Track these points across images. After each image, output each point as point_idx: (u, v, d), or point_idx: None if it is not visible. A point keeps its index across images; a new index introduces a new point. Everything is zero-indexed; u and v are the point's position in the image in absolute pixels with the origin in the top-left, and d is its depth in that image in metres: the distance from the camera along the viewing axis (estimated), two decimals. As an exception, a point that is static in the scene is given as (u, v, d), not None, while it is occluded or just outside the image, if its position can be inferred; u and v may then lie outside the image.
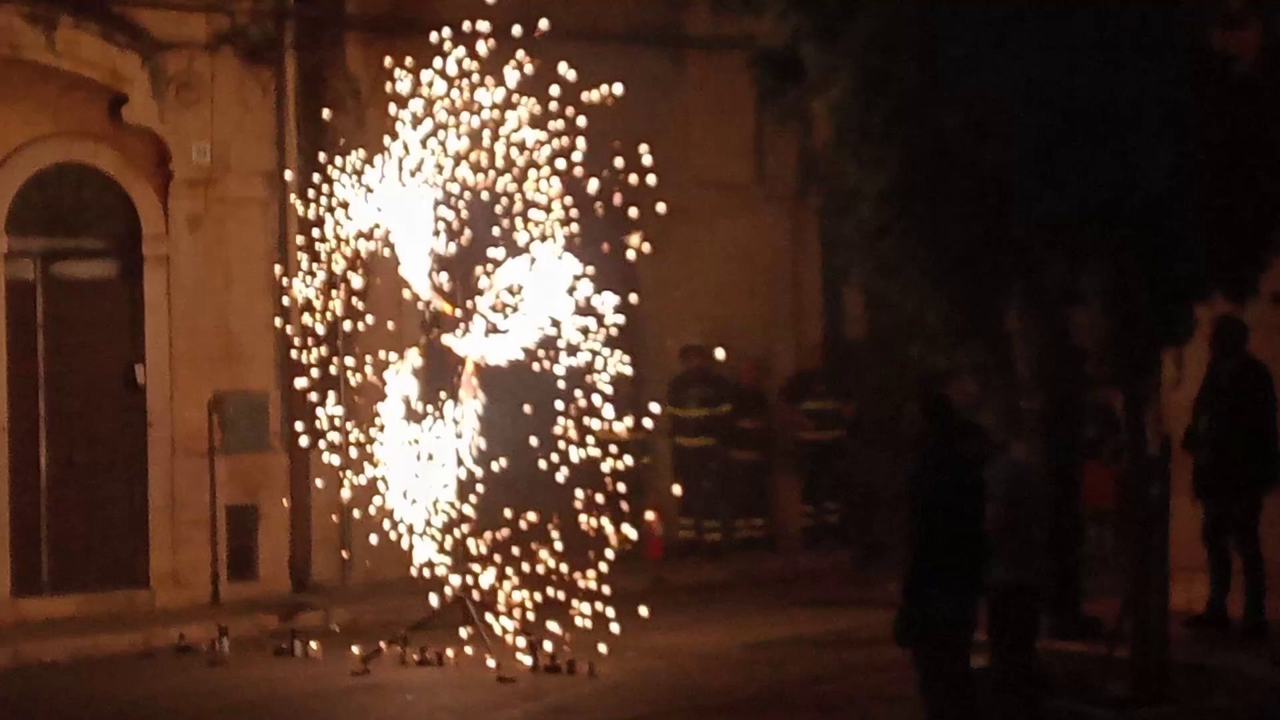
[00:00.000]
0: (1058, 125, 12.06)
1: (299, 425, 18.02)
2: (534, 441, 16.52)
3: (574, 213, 16.42)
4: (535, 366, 16.39)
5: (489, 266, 16.48)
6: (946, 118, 12.23)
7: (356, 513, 17.26)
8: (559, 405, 16.45)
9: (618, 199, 16.55)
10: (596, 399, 16.40)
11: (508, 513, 16.59)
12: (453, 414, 16.48)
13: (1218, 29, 12.82)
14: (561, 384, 16.41)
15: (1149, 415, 13.74)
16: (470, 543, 16.60)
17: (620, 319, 16.50)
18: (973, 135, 12.19)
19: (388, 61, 16.72)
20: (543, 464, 16.44)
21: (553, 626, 16.24)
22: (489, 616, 16.53)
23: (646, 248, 16.91)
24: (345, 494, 17.11)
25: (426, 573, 16.71)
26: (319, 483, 18.15)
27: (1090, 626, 14.66)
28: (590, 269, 16.32)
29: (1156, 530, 13.81)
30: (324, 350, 17.32)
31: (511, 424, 16.61)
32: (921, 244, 12.80)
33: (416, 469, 16.54)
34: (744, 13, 13.71)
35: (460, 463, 16.46)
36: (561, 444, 16.49)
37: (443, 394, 16.53)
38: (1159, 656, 13.43)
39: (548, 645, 16.09)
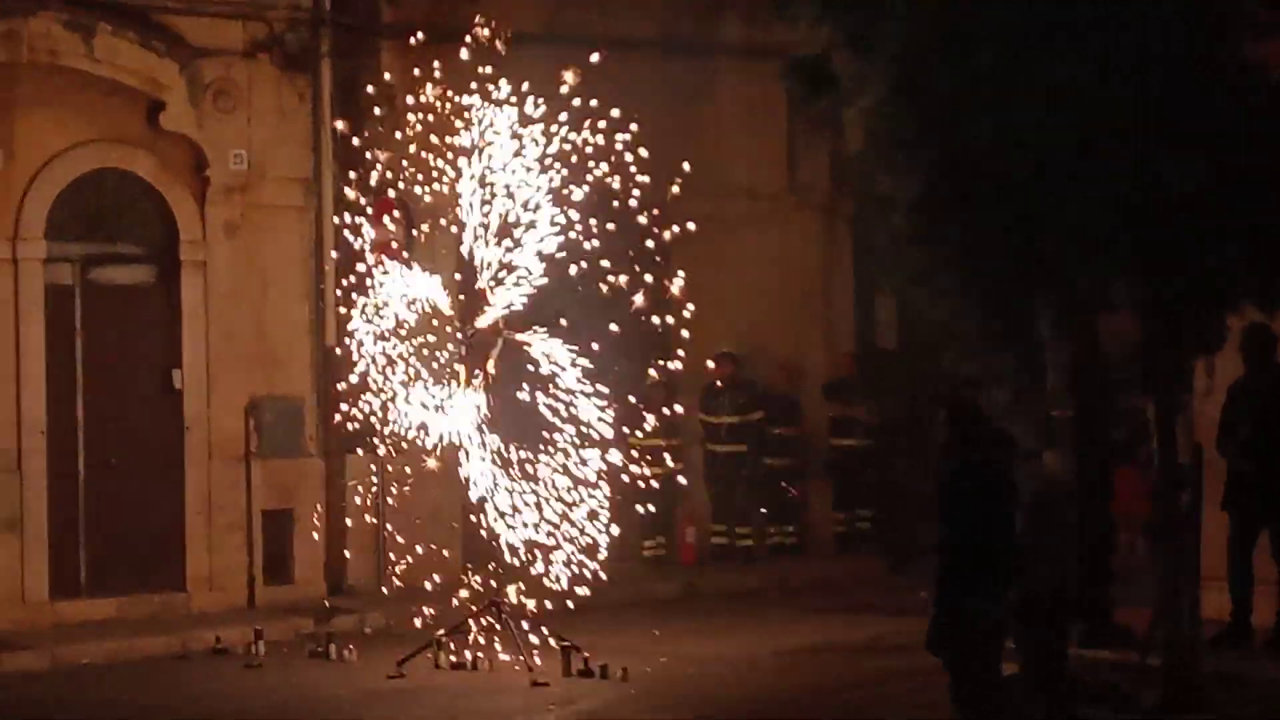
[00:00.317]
0: (1089, 134, 12.06)
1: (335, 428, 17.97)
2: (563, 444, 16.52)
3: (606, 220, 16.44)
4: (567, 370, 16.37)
5: (518, 270, 16.48)
6: (978, 126, 12.22)
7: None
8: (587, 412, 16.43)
9: (646, 205, 16.56)
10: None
11: (539, 518, 16.57)
12: (478, 407, 16.47)
13: (1249, 39, 12.79)
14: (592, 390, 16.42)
15: (1180, 424, 13.74)
16: (504, 547, 16.59)
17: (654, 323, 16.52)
18: (1004, 143, 12.18)
19: (421, 70, 16.75)
20: (575, 469, 16.43)
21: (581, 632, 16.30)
22: (522, 622, 16.54)
23: (680, 282, 16.83)
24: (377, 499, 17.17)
25: (461, 577, 16.75)
26: (353, 487, 18.18)
27: (1122, 635, 14.64)
28: (622, 278, 16.33)
29: (1188, 539, 13.81)
30: (359, 356, 17.32)
31: (537, 425, 16.60)
32: (953, 252, 12.79)
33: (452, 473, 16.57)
34: (783, 18, 13.69)
35: (490, 463, 16.46)
36: (595, 450, 16.48)
37: (476, 376, 16.50)
38: (1191, 665, 13.42)
39: (582, 652, 16.14)
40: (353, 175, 17.40)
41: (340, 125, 18.71)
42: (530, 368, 16.41)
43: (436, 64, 16.58)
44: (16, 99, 18.42)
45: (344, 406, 16.98)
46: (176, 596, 18.99)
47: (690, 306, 17.07)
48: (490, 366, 16.48)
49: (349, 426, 17.19)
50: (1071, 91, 11.98)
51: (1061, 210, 12.22)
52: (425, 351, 16.82)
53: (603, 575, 16.38)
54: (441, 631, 16.67)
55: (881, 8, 12.57)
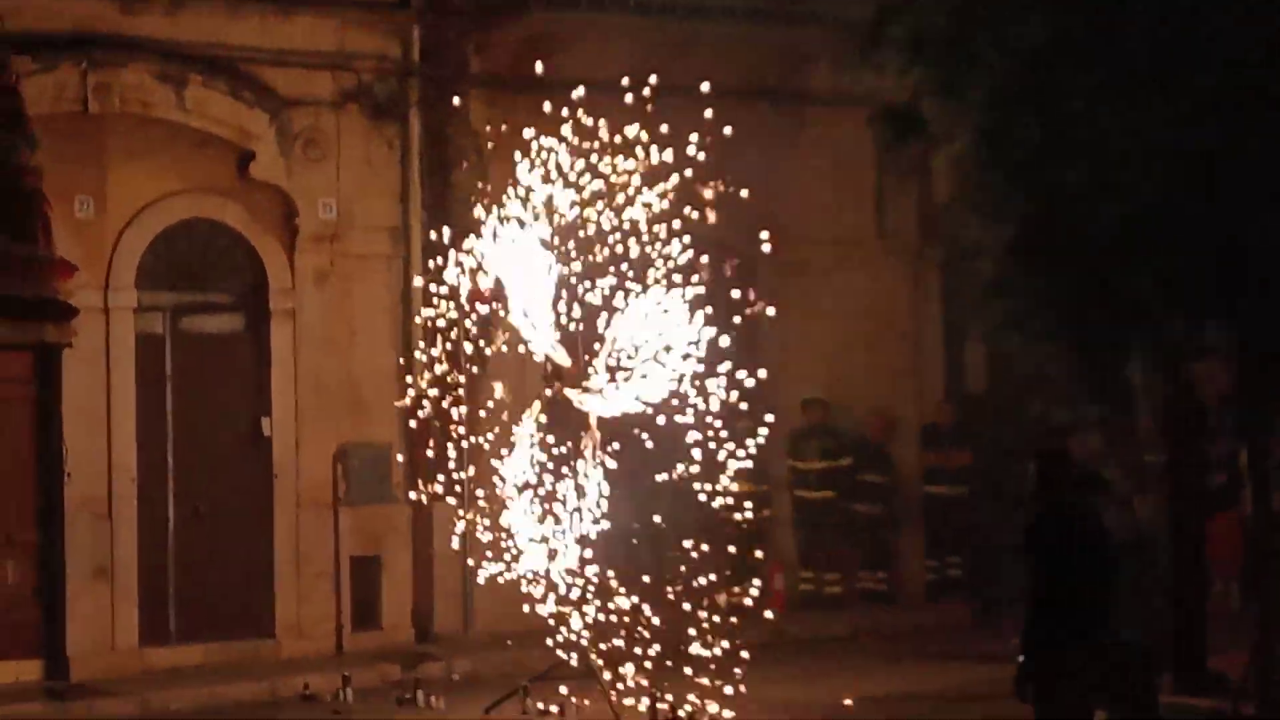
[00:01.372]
0: (1178, 182, 12.06)
1: (429, 477, 17.98)
2: (658, 497, 16.55)
3: (695, 268, 16.45)
4: (660, 420, 16.38)
5: (610, 320, 16.52)
6: (1067, 173, 12.26)
7: (480, 566, 17.32)
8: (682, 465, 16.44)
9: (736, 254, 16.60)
10: (721, 454, 16.41)
11: (629, 568, 16.59)
12: (578, 470, 16.51)
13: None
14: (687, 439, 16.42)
15: (1273, 468, 13.68)
16: (592, 597, 16.60)
17: (743, 375, 16.51)
18: (1093, 191, 12.20)
19: (509, 120, 16.84)
20: (661, 520, 16.44)
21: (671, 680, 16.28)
22: (609, 669, 16.55)
23: (771, 311, 16.86)
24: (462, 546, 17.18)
25: (549, 624, 16.76)
26: (442, 534, 18.20)
27: (1216, 682, 14.55)
28: (713, 328, 16.35)
29: (1280, 586, 13.75)
30: (448, 404, 17.38)
31: (635, 481, 16.61)
32: (1043, 298, 12.80)
33: (539, 524, 16.58)
34: (870, 66, 13.74)
35: (583, 519, 16.48)
36: (686, 499, 16.48)
37: (565, 449, 16.55)
38: (1284, 713, 13.36)
39: (668, 698, 16.13)
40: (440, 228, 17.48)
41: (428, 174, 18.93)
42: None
43: (513, 117, 16.66)
44: (108, 150, 18.60)
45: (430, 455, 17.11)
46: (265, 643, 19.10)
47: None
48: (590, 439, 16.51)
49: (438, 476, 17.28)
50: (1160, 140, 11.98)
51: (1151, 256, 12.22)
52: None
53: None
54: (529, 679, 16.72)
55: (970, 56, 12.60)
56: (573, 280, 16.47)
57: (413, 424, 17.36)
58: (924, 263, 22.47)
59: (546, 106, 16.40)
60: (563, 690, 16.46)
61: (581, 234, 16.39)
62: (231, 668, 18.53)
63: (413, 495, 17.58)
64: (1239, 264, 12.33)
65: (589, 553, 16.39)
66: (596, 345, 16.47)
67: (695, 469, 16.29)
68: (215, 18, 18.86)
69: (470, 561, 17.50)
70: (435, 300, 16.95)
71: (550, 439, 16.51)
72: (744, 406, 16.30)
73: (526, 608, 16.56)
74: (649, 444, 16.28)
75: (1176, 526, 14.49)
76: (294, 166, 19.21)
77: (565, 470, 16.44)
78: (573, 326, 16.45)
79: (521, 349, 16.72)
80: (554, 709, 16.38)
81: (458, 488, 17.21)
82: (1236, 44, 12.21)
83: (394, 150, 19.84)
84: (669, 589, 16.58)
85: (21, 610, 18.32)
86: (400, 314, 19.74)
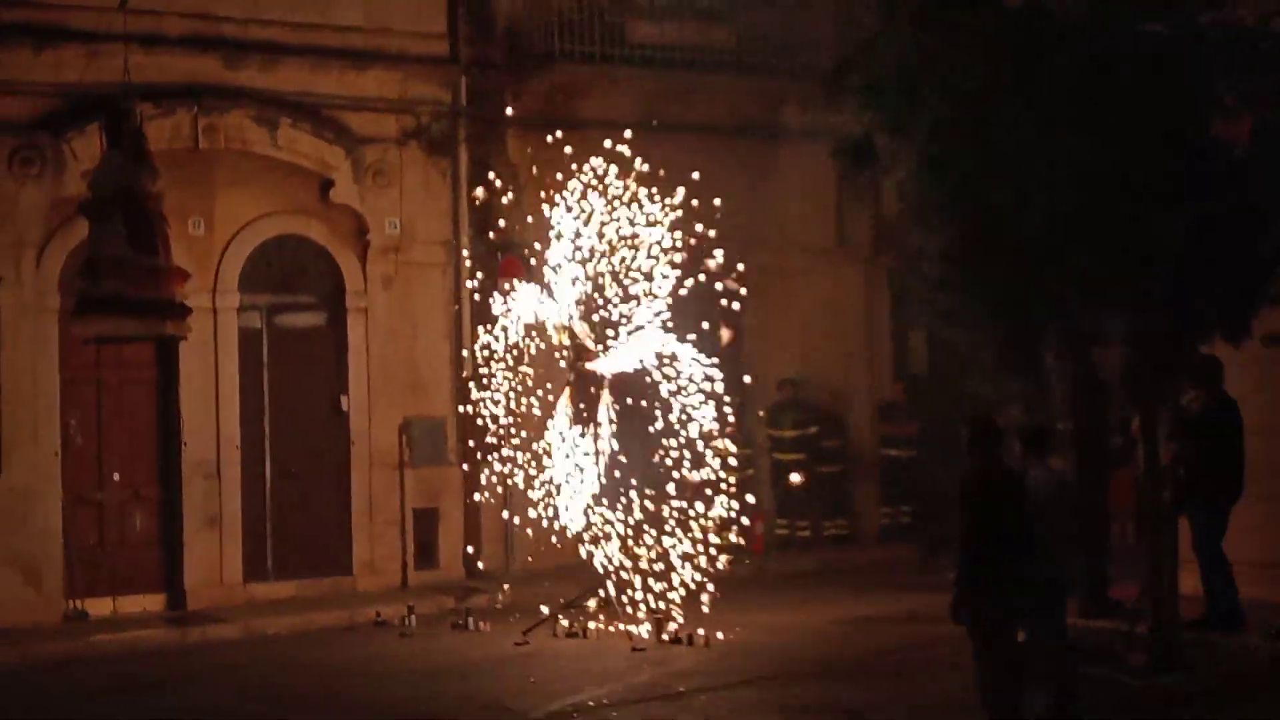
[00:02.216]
0: (1089, 198, 11.98)
1: (471, 444, 17.98)
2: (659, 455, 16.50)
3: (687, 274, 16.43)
4: (663, 389, 16.33)
5: (622, 313, 16.48)
6: (996, 193, 12.16)
7: (516, 516, 17.31)
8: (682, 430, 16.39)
9: (723, 259, 16.54)
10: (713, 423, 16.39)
11: (639, 512, 16.53)
12: (594, 425, 16.47)
13: (1218, 119, 12.70)
14: (685, 411, 16.38)
15: (1161, 434, 13.59)
16: (611, 536, 16.57)
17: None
18: (1018, 206, 12.11)
19: (539, 152, 16.81)
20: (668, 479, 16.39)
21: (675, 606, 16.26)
22: (624, 598, 16.51)
23: (743, 291, 16.77)
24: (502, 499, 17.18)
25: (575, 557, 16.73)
26: (487, 491, 18.20)
27: (1115, 608, 14.48)
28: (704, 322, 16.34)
29: (1168, 529, 13.66)
30: (492, 383, 17.36)
31: (641, 443, 16.57)
32: (974, 295, 12.72)
33: (568, 477, 16.56)
34: (832, 105, 13.67)
35: (600, 467, 16.45)
36: (685, 461, 16.44)
37: (582, 408, 16.49)
38: (1172, 632, 13.27)
39: (672, 622, 16.10)
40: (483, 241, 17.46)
41: (477, 194, 18.87)
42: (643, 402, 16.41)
43: (541, 152, 16.64)
44: (215, 180, 18.56)
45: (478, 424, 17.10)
46: (344, 579, 19.05)
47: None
48: (601, 413, 16.44)
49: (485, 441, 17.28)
50: (1073, 163, 11.90)
51: (1066, 260, 12.14)
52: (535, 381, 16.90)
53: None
54: (558, 606, 16.67)
55: (914, 97, 12.51)
56: (592, 281, 16.47)
57: (472, 404, 17.34)
58: (876, 267, 22.36)
59: (571, 140, 16.42)
60: (585, 614, 16.47)
61: (596, 248, 16.40)
62: (317, 599, 18.51)
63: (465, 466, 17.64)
64: (1135, 265, 12.25)
65: (605, 499, 16.43)
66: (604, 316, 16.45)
67: (694, 432, 16.30)
68: (302, 71, 18.78)
69: (505, 514, 17.51)
70: (477, 295, 16.90)
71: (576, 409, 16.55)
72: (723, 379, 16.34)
73: (556, 544, 16.60)
74: (649, 407, 16.27)
75: (1082, 480, 14.41)
76: (366, 192, 19.14)
77: (584, 429, 16.43)
78: (585, 307, 16.42)
79: (547, 325, 16.68)
80: (579, 631, 16.36)
81: (502, 453, 17.18)
82: (1135, 87, 12.14)
83: (446, 178, 19.79)
84: (672, 532, 16.54)
85: (147, 553, 18.28)
86: (453, 312, 19.69)
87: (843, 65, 13.38)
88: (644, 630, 16.07)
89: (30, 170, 17.33)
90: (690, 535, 16.36)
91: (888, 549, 21.57)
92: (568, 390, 16.64)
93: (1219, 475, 13.86)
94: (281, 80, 18.64)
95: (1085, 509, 13.91)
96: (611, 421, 16.33)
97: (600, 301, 16.44)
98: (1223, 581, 13.85)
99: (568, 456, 16.44)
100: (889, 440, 22.09)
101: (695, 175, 16.35)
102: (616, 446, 16.32)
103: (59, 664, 15.95)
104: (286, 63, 18.68)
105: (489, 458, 17.32)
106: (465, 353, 18.72)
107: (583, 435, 16.41)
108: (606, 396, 16.44)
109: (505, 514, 17.70)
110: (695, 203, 16.33)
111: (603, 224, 16.35)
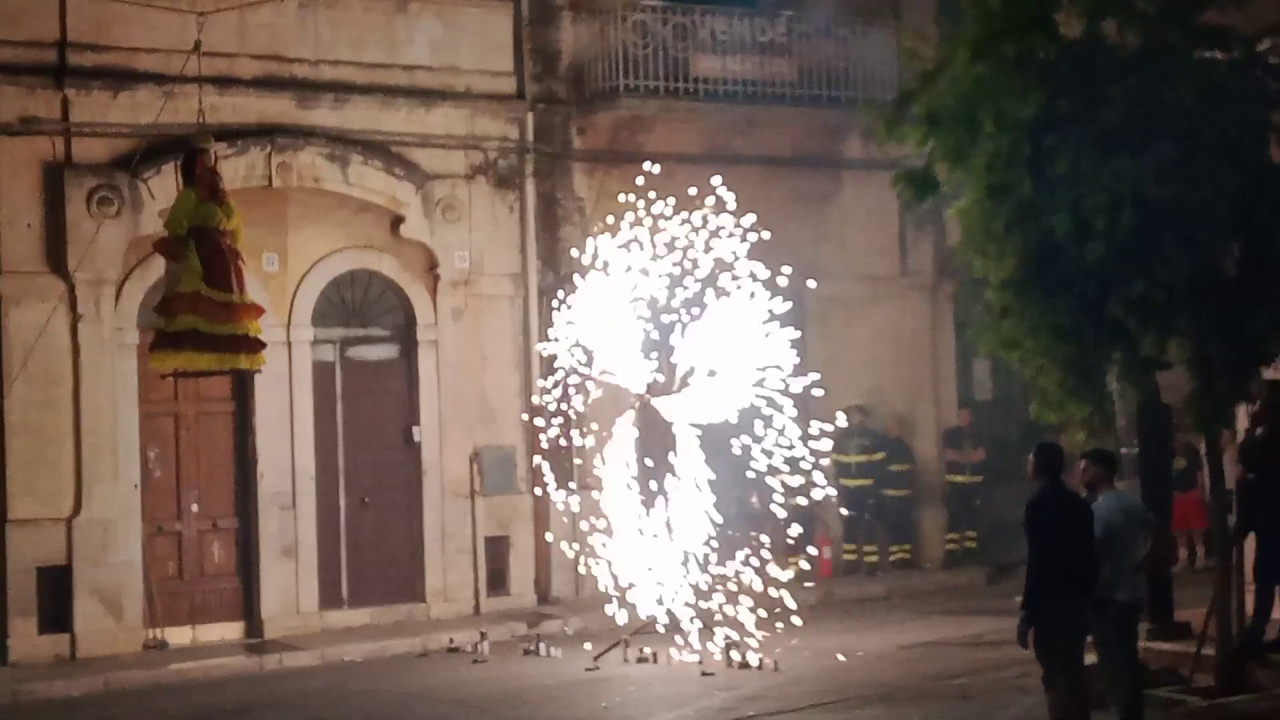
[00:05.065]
0: (1148, 225, 11.96)
1: (544, 472, 17.95)
2: (734, 487, 16.54)
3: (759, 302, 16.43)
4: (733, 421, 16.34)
5: (689, 347, 16.51)
6: (1055, 220, 12.17)
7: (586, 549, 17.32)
8: (755, 460, 16.40)
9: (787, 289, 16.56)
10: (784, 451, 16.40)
11: (709, 542, 16.55)
12: (668, 467, 16.51)
13: (1275, 145, 12.66)
14: (757, 443, 16.39)
15: (1226, 458, 13.50)
16: (682, 565, 16.58)
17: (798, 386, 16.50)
18: (1077, 234, 12.10)
19: (605, 187, 16.89)
20: (741, 504, 16.40)
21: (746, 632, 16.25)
22: (694, 624, 16.51)
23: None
24: (572, 527, 17.21)
25: (644, 588, 16.73)
26: (557, 519, 18.24)
27: (1181, 631, 14.38)
28: (774, 349, 16.34)
29: (1234, 551, 13.57)
30: (560, 415, 17.41)
31: (715, 473, 16.58)
32: (1036, 322, 12.70)
33: (635, 509, 16.59)
34: (889, 141, 13.71)
35: (670, 508, 16.48)
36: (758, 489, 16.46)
37: (653, 455, 16.51)
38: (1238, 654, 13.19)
39: (741, 647, 16.09)
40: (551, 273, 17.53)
41: (541, 230, 18.98)
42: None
43: (607, 184, 16.71)
44: (288, 216, 18.75)
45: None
46: (418, 606, 19.13)
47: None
48: (671, 456, 16.47)
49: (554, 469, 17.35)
50: (1133, 190, 11.88)
51: (1125, 287, 12.12)
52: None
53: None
54: (629, 632, 16.70)
55: (973, 127, 12.53)
56: (658, 305, 16.48)
57: (540, 434, 17.37)
58: (939, 295, 22.36)
59: (637, 173, 16.47)
60: (653, 642, 16.48)
61: (664, 277, 16.45)
62: (391, 626, 18.63)
63: (537, 490, 17.62)
64: (1197, 291, 12.21)
65: (674, 535, 16.44)
66: (674, 360, 16.50)
67: (767, 465, 16.31)
68: (371, 110, 18.98)
69: (575, 546, 17.49)
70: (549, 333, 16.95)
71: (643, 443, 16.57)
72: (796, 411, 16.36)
73: (625, 578, 16.62)
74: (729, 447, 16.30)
75: (1147, 504, 14.32)
76: (435, 227, 19.27)
77: (655, 468, 16.45)
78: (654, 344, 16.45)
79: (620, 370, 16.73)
80: (649, 656, 16.38)
81: (570, 483, 17.23)
82: (1190, 116, 12.12)
83: (514, 212, 19.90)
84: (744, 561, 16.55)
85: (225, 582, 18.46)
86: (521, 343, 19.79)
87: (903, 96, 13.40)
88: (714, 655, 16.07)
89: (109, 210, 17.57)
90: (760, 560, 16.38)
91: (953, 574, 21.51)
92: (633, 430, 16.60)
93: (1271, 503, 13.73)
94: (352, 119, 18.84)
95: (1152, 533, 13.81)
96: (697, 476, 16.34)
97: (668, 337, 16.46)
98: (1261, 613, 13.71)
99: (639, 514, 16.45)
100: (954, 466, 22.04)
101: (758, 208, 16.37)
102: (705, 499, 16.31)
103: (141, 692, 16.15)
104: (356, 101, 18.89)
105: (561, 487, 17.37)
106: (539, 381, 18.71)
107: (654, 489, 16.38)
108: (689, 448, 16.38)
109: (574, 547, 17.58)
110: (767, 235, 16.34)
111: (669, 253, 16.39)
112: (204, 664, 17.11)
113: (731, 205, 16.30)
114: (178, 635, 17.91)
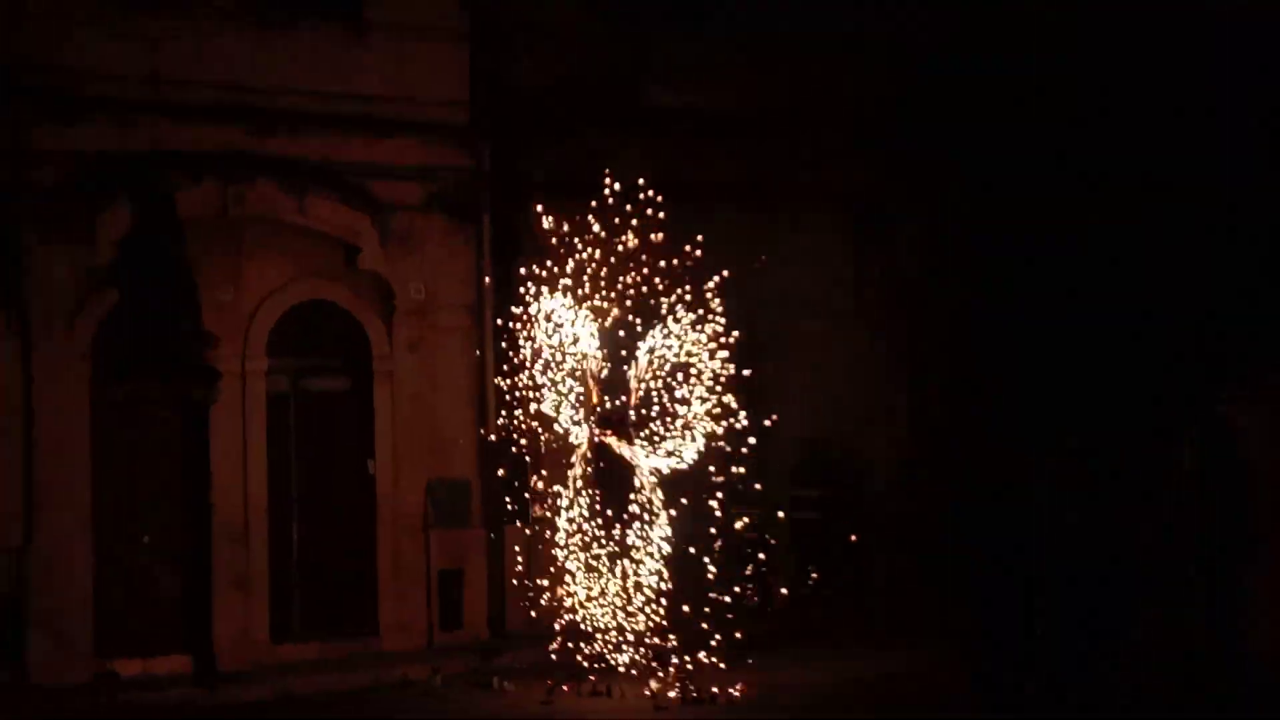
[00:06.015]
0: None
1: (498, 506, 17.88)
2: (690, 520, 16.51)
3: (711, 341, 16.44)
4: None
5: (641, 379, 16.48)
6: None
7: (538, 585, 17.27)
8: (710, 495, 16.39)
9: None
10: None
11: (665, 577, 16.50)
12: (623, 500, 16.48)
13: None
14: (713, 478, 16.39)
15: None
16: (637, 599, 16.52)
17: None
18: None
19: (561, 218, 16.89)
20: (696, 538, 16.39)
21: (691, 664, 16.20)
22: (649, 658, 16.45)
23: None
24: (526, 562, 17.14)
25: (598, 622, 16.67)
26: (511, 553, 18.16)
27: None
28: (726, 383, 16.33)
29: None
30: (515, 448, 17.35)
31: (671, 507, 16.56)
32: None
33: (590, 544, 16.53)
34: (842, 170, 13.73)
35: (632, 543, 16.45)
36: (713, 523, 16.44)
37: (608, 489, 16.48)
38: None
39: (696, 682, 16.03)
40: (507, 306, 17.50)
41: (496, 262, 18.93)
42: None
43: (561, 217, 16.72)
44: (244, 246, 18.64)
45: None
46: (371, 639, 18.99)
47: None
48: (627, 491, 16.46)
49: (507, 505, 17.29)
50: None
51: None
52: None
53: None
54: (582, 668, 16.60)
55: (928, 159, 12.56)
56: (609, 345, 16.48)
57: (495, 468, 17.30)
58: (894, 327, 22.28)
59: (591, 205, 16.48)
60: (607, 677, 16.40)
61: (615, 310, 16.44)
62: (344, 659, 18.47)
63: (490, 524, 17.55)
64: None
65: (630, 569, 16.39)
66: (628, 398, 16.46)
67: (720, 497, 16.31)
68: (328, 140, 18.90)
69: (529, 580, 17.41)
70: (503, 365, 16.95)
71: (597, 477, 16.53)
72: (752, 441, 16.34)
73: (579, 613, 16.56)
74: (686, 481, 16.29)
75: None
76: (391, 257, 19.21)
77: (609, 501, 16.42)
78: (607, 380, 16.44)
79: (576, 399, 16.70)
80: (602, 690, 16.30)
81: (525, 517, 17.14)
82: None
83: (470, 244, 19.84)
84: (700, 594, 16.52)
85: (176, 613, 18.28)
86: (477, 376, 19.72)
87: (857, 127, 13.43)
88: (668, 690, 16.00)
89: (62, 238, 17.43)
90: (715, 593, 16.35)
91: (906, 604, 21.43)
92: (588, 465, 16.60)
93: None
94: (308, 149, 18.75)
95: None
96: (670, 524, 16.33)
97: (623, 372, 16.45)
98: None
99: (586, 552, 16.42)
100: (911, 496, 21.97)
101: (701, 238, 16.39)
102: (661, 533, 16.29)
103: (90, 724, 15.96)
104: (312, 131, 18.79)
105: (515, 521, 17.32)
106: (494, 416, 18.66)
107: (609, 523, 16.35)
108: (656, 496, 16.37)
109: (528, 581, 17.49)
110: (724, 276, 16.34)
111: (623, 286, 16.40)
112: (154, 695, 16.92)
113: (685, 235, 16.31)
114: (128, 666, 17.71)
